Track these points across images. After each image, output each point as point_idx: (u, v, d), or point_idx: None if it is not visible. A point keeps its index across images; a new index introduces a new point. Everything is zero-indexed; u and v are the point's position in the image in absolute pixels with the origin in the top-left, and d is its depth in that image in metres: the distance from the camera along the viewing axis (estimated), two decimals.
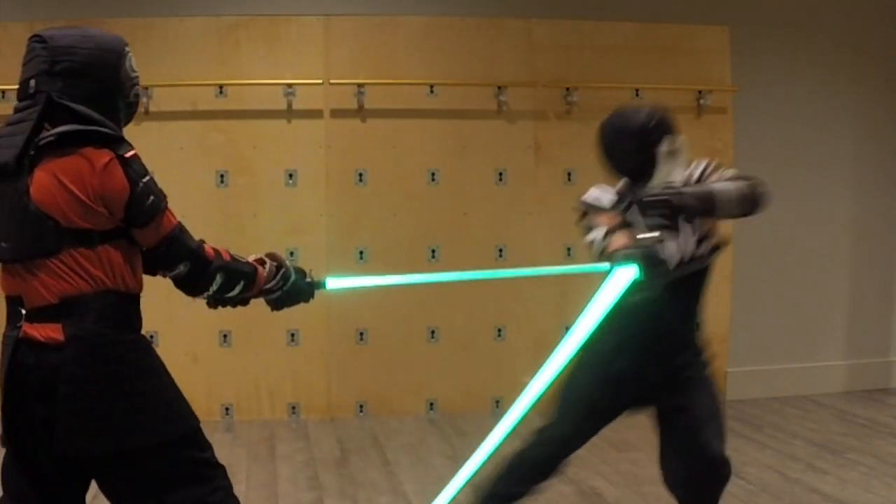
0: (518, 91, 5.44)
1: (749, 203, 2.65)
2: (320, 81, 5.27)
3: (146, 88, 5.06)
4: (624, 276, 2.40)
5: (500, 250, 5.48)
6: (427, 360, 5.42)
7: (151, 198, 2.01)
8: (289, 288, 2.30)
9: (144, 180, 2.01)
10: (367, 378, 5.39)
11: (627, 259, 2.41)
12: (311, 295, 2.37)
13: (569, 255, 5.52)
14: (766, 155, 5.44)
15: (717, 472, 2.86)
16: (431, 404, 5.45)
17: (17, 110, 2.05)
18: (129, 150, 2.02)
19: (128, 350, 2.04)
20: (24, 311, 2.01)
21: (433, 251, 5.42)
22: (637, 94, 5.51)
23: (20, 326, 2.01)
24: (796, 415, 5.37)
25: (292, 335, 5.25)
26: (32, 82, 2.02)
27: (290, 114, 5.26)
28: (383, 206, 5.37)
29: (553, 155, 5.50)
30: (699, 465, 2.84)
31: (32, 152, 1.98)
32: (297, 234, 5.29)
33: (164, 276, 2.10)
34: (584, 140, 5.50)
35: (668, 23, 5.58)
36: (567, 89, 5.44)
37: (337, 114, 5.33)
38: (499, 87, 5.40)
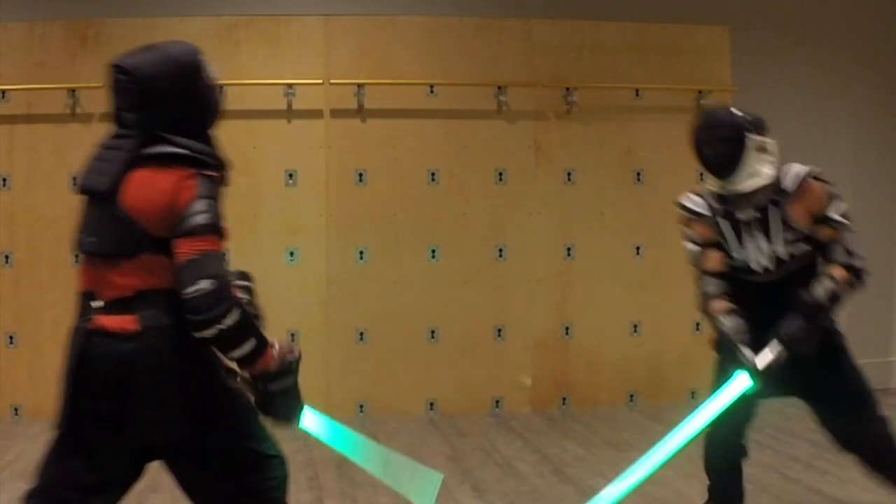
0: (518, 91, 5.44)
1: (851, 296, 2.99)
2: (320, 81, 5.27)
3: None
4: (742, 384, 2.86)
5: (500, 250, 5.48)
6: (427, 360, 5.43)
7: (204, 215, 2.03)
8: (293, 386, 2.16)
9: (209, 199, 2.06)
10: (367, 378, 5.39)
11: (748, 372, 2.85)
12: (300, 413, 2.22)
13: (569, 255, 5.52)
14: None
15: (857, 438, 3.04)
16: (431, 404, 5.46)
17: (114, 136, 2.16)
18: (212, 171, 2.12)
19: (193, 345, 2.09)
20: (95, 305, 2.11)
21: (433, 251, 5.43)
22: (637, 94, 5.53)
23: (91, 318, 2.10)
24: (796, 415, 5.35)
25: (292, 335, 5.25)
26: (127, 115, 2.13)
27: (290, 114, 5.26)
28: (383, 206, 5.37)
29: (553, 155, 5.51)
30: (837, 438, 3.08)
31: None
32: (297, 234, 5.29)
33: (183, 295, 2.01)
34: (584, 140, 5.57)
35: (668, 23, 5.59)
36: (567, 89, 5.45)
37: (337, 114, 5.34)
38: (499, 87, 5.40)
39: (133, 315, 2.06)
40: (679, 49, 5.57)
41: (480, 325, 5.47)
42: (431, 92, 5.40)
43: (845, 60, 5.83)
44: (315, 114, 5.31)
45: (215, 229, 2.05)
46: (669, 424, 4.13)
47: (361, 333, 5.38)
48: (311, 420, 2.35)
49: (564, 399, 5.56)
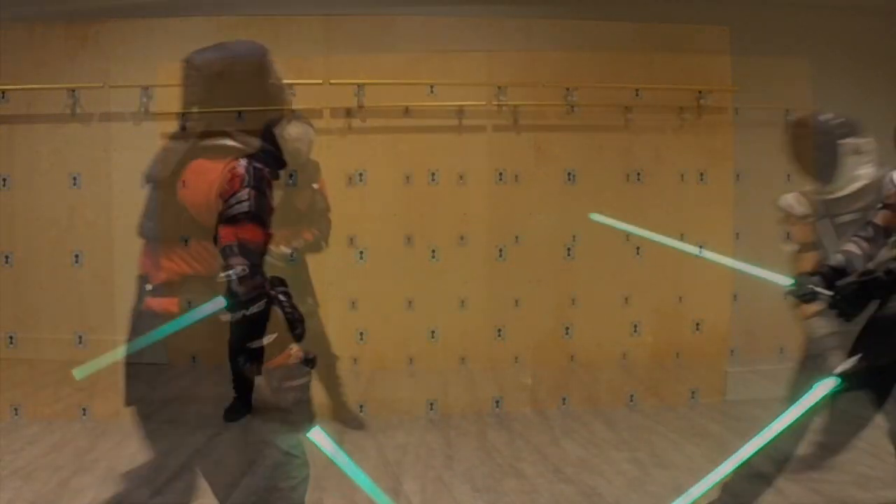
0: (518, 91, 5.44)
1: None
2: (320, 81, 5.27)
3: (146, 89, 5.08)
4: (823, 390, 2.81)
5: (501, 250, 5.48)
6: (427, 360, 5.43)
7: (245, 203, 2.09)
8: (306, 385, 2.26)
9: (253, 189, 2.11)
10: (367, 378, 5.39)
11: (833, 378, 2.77)
12: (311, 415, 2.30)
13: (569, 255, 5.52)
14: (766, 155, 5.43)
15: None
16: (431, 404, 5.46)
17: (181, 129, 2.27)
18: (262, 164, 2.19)
19: None
20: (147, 288, 2.24)
21: (433, 251, 5.43)
22: (637, 94, 5.52)
23: (143, 300, 2.24)
24: None
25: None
26: (195, 109, 2.25)
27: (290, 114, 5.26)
28: (384, 206, 5.37)
29: (553, 155, 5.51)
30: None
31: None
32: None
33: (218, 278, 2.11)
34: (584, 140, 5.57)
35: (668, 23, 5.59)
36: (567, 89, 5.45)
37: (337, 114, 5.34)
38: (499, 87, 5.41)
39: (176, 298, 2.18)
40: (679, 49, 5.57)
41: (481, 325, 5.47)
42: (431, 92, 5.40)
43: (845, 60, 5.83)
44: (316, 114, 5.31)
45: (256, 218, 2.10)
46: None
47: (361, 333, 5.38)
48: (320, 436, 2.38)
49: (564, 399, 5.56)
